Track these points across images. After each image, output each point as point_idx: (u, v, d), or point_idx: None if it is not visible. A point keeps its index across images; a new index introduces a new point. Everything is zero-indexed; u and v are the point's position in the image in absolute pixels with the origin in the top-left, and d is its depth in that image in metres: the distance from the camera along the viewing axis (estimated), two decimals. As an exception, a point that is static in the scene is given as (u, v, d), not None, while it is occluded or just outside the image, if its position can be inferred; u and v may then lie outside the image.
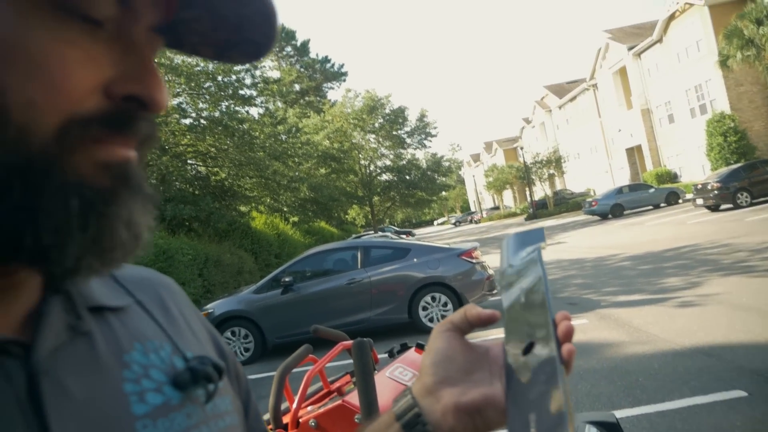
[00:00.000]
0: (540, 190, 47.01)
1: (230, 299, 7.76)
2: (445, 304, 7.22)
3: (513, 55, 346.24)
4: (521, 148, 48.62)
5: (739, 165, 19.35)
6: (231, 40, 0.39)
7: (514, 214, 50.09)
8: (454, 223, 68.39)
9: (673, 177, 31.05)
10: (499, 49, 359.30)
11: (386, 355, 2.55)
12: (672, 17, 29.63)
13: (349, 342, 2.06)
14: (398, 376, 2.14)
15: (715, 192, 17.67)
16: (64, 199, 0.31)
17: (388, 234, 25.85)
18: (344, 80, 50.82)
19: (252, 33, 0.38)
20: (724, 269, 7.89)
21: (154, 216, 0.37)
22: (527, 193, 45.75)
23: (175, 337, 0.45)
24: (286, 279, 7.44)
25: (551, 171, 43.93)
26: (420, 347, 2.41)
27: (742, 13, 22.33)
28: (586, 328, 6.14)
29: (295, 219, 23.36)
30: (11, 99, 0.29)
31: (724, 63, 22.88)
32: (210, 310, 7.53)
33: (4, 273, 0.34)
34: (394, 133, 37.08)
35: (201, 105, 13.64)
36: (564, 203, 39.06)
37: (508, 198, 62.10)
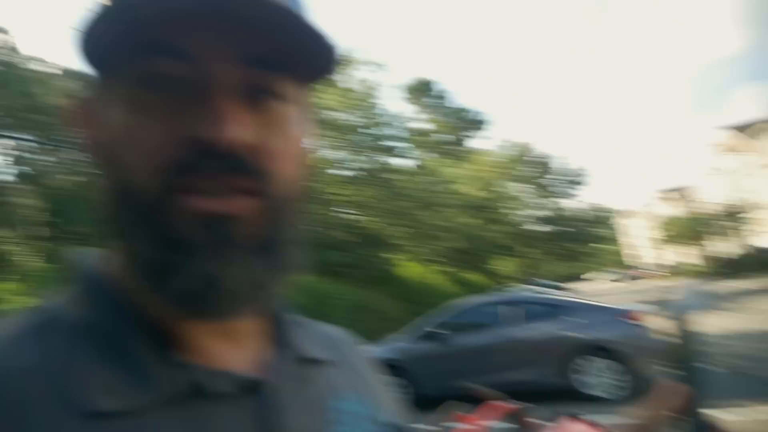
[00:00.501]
0: (721, 245, 41.44)
1: (383, 348, 7.77)
2: (613, 370, 6.44)
3: (681, 92, 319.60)
4: (691, 199, 43.73)
5: None
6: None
7: (693, 271, 43.88)
8: (620, 279, 62.73)
9: None
10: (664, 86, 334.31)
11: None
12: None
13: (510, 405, 1.94)
14: None
15: None
16: (160, 249, 0.36)
17: (545, 289, 24.52)
18: (485, 128, 50.60)
19: (313, 55, 0.40)
20: None
21: (278, 273, 0.40)
22: (705, 247, 40.62)
23: (364, 395, 0.50)
24: (441, 331, 7.34)
25: (735, 224, 38.61)
26: (575, 416, 2.22)
27: None
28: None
29: (446, 269, 23.31)
30: (125, 170, 0.37)
31: None
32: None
33: (236, 326, 0.42)
34: (548, 184, 35.78)
35: (356, 157, 14.35)
36: (751, 261, 33.76)
37: (683, 252, 55.62)
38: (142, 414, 0.36)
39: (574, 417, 2.21)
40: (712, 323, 12.48)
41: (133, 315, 0.39)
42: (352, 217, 15.47)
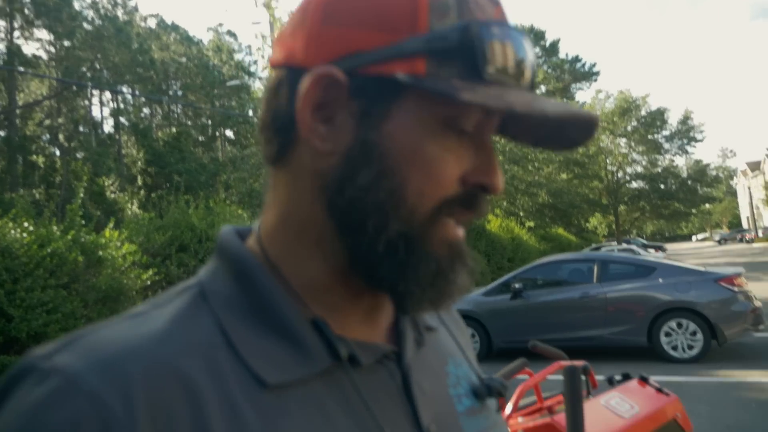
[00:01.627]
0: None
1: (460, 299, 8.10)
2: (694, 333, 6.45)
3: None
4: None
5: None
6: (550, 136, 0.48)
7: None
8: (719, 241, 58.89)
9: None
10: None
11: (606, 379, 2.47)
12: None
13: (566, 362, 2.07)
14: (614, 406, 2.09)
15: None
16: (423, 262, 0.43)
17: (634, 247, 23.66)
18: (595, 80, 47.93)
19: (572, 132, 0.46)
20: None
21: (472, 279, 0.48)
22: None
23: (468, 356, 0.58)
24: (517, 285, 7.46)
25: None
26: (643, 380, 2.31)
27: None
28: None
29: (531, 224, 23.01)
30: (408, 188, 0.42)
31: None
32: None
33: (375, 297, 0.48)
34: (650, 137, 33.61)
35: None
36: None
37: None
38: (305, 384, 0.41)
39: (642, 379, 2.33)
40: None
41: (291, 297, 0.44)
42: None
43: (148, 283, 6.17)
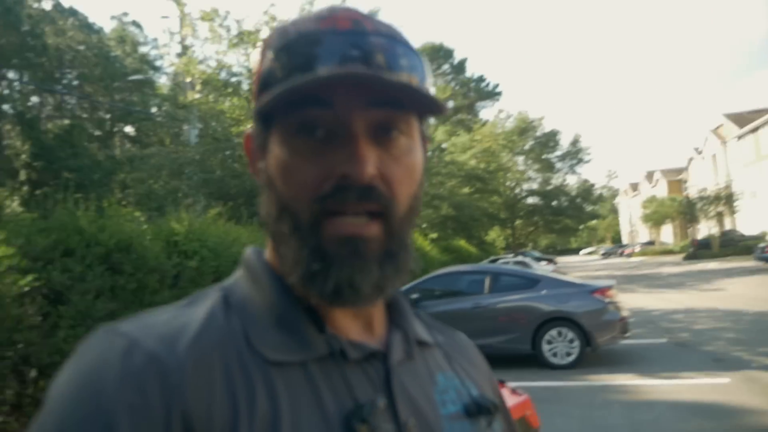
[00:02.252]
0: (705, 229, 42.33)
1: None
2: (572, 341, 7.07)
3: (688, 76, 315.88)
4: (684, 182, 44.35)
5: None
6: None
7: (670, 252, 45.64)
8: (603, 255, 64.10)
9: None
10: (672, 70, 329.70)
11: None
12: None
13: None
14: None
15: None
16: (311, 255, 0.49)
17: (528, 259, 25.18)
18: (498, 100, 50.51)
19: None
20: None
21: (396, 275, 0.52)
22: (690, 230, 41.55)
23: (462, 375, 0.62)
24: (414, 295, 7.77)
25: (720, 208, 39.44)
26: (501, 382, 2.51)
27: None
28: (727, 388, 5.65)
29: (435, 236, 23.78)
30: (284, 196, 0.51)
31: None
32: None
33: (365, 312, 0.56)
34: (544, 156, 36.08)
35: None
36: (732, 245, 34.76)
37: (666, 233, 56.78)
38: (303, 366, 0.50)
39: (501, 382, 2.48)
40: (673, 299, 13.28)
41: (295, 298, 0.53)
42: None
43: (26, 289, 5.74)
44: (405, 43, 0.52)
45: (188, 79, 12.36)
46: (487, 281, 7.71)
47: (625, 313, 7.28)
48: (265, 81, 0.51)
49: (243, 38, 12.76)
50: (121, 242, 5.38)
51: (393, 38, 0.51)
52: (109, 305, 4.95)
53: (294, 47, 0.50)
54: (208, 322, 0.49)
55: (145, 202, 12.13)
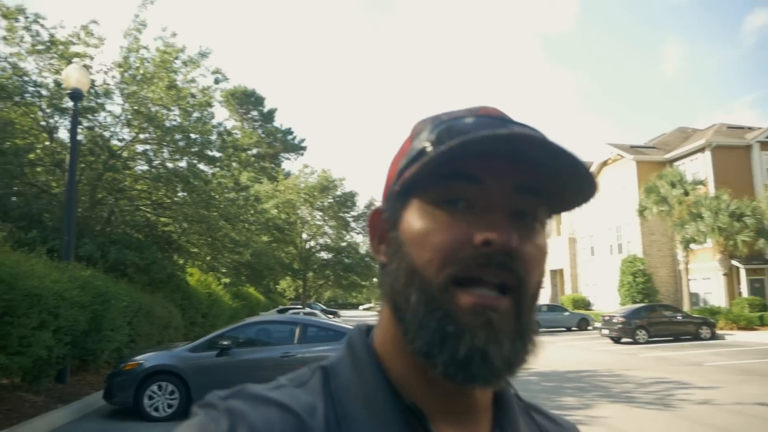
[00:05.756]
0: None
1: (162, 353, 7.93)
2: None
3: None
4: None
5: (641, 305, 21.58)
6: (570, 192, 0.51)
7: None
8: (379, 311, 68.32)
9: (586, 304, 33.34)
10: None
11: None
12: (605, 163, 33.28)
13: None
14: None
15: (619, 326, 19.46)
16: (442, 324, 0.47)
17: (316, 311, 26.06)
18: (302, 154, 52.28)
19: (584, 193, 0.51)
20: (612, 396, 8.97)
21: (525, 354, 0.49)
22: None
23: None
24: (224, 342, 7.73)
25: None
26: None
27: (660, 174, 25.64)
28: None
29: (227, 281, 23.29)
30: (416, 262, 0.49)
31: (641, 213, 25.86)
32: (141, 362, 7.71)
33: (461, 395, 0.51)
34: (341, 214, 38.16)
35: (166, 156, 14.06)
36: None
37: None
38: None
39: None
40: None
41: (396, 393, 0.50)
42: (153, 218, 14.97)
43: None
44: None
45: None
46: (297, 331, 8.09)
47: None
48: (418, 153, 0.51)
49: (53, 46, 11.63)
50: None
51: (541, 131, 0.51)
52: None
53: (449, 124, 0.51)
54: (308, 414, 0.49)
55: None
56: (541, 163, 0.47)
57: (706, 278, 27.06)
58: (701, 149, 28.19)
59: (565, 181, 0.49)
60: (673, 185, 24.54)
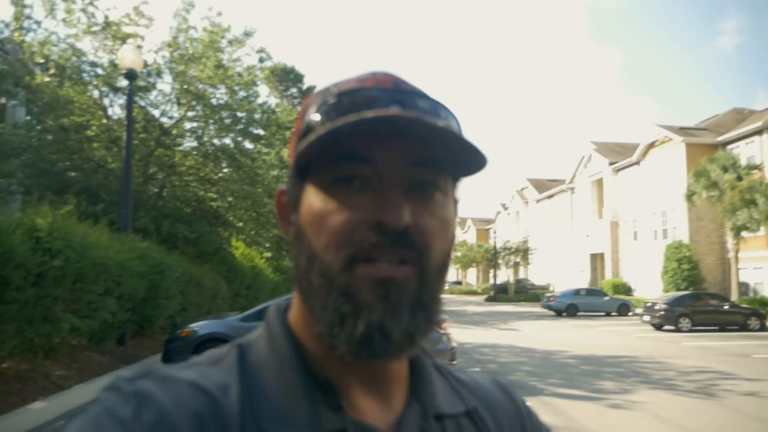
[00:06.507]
0: (503, 275, 48.39)
1: (215, 322, 8.39)
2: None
3: (503, 141, 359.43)
4: (494, 231, 50.40)
5: (686, 293, 21.03)
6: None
7: (474, 293, 51.27)
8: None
9: (627, 289, 32.78)
10: (494, 132, 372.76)
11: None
12: (652, 145, 32.25)
13: None
14: None
15: (662, 313, 19.09)
16: (341, 303, 0.47)
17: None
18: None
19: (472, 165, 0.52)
20: (653, 383, 8.94)
21: (427, 325, 0.49)
22: (491, 275, 47.11)
23: None
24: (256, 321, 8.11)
25: (517, 259, 45.51)
26: None
27: (711, 157, 24.69)
28: (528, 410, 7.00)
29: (269, 255, 23.91)
30: (315, 246, 0.49)
31: (690, 197, 25.05)
32: (195, 329, 8.17)
33: (383, 383, 0.53)
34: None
35: (212, 133, 14.47)
36: (524, 292, 40.42)
37: (471, 276, 63.46)
38: None
39: None
40: (479, 335, 15.37)
41: (309, 369, 0.50)
42: (202, 193, 15.50)
43: None
44: (444, 105, 0.53)
45: (40, 60, 11.25)
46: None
47: (454, 344, 8.50)
48: (305, 131, 0.51)
49: (107, 27, 12.06)
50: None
51: (433, 99, 0.52)
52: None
53: (336, 100, 0.50)
54: (220, 392, 0.48)
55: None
56: (426, 139, 0.48)
57: (757, 268, 26.16)
58: (758, 132, 26.96)
59: (456, 153, 0.49)
60: (725, 169, 23.63)
